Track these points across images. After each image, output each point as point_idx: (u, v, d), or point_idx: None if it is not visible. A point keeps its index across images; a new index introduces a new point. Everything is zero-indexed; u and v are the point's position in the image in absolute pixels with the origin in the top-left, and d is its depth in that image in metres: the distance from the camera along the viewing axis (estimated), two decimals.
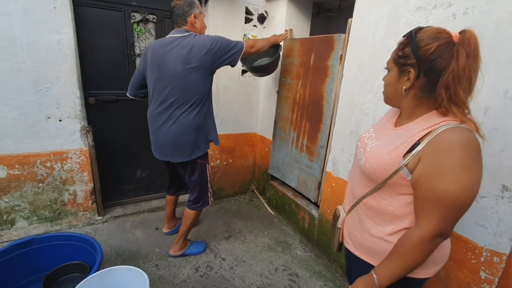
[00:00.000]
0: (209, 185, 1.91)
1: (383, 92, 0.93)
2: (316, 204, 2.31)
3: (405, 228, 0.85)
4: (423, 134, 0.77)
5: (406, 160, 0.77)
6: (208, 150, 1.82)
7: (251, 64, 2.33)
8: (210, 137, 1.79)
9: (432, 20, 1.35)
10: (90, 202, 2.21)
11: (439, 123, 0.76)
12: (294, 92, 2.31)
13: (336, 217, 1.09)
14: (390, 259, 0.83)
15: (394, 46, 1.61)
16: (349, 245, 1.02)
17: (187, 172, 1.79)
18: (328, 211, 2.11)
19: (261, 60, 2.36)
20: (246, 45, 1.74)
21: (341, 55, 1.87)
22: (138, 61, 2.27)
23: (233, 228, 2.43)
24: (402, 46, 0.83)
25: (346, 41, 1.84)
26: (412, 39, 0.79)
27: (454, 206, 0.72)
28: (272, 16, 2.56)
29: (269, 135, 2.78)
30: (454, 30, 0.77)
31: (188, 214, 1.91)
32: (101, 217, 2.27)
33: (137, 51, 2.24)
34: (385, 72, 0.94)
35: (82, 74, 2.05)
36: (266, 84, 2.78)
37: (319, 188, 2.17)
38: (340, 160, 1.96)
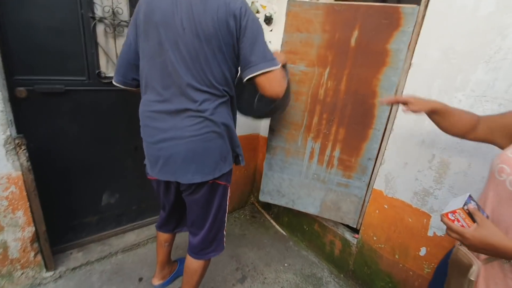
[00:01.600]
0: (226, 219, 1.30)
1: None
2: (351, 227, 1.85)
3: None
4: None
5: None
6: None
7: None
8: (238, 148, 1.19)
9: None
10: (32, 254, 1.40)
11: None
12: (314, 85, 1.62)
13: (461, 264, 0.78)
14: None
15: (510, 26, 1.18)
16: None
17: (201, 199, 1.15)
18: (374, 238, 1.67)
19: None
20: (281, 69, 1.05)
21: (412, 36, 1.36)
22: (100, 28, 1.45)
23: (245, 263, 1.85)
24: None
25: (421, 17, 1.33)
26: None
27: None
28: None
29: None
30: None
31: (193, 268, 1.26)
32: (51, 273, 1.48)
33: (98, 12, 1.42)
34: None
35: (1, 48, 1.20)
36: None
37: (361, 209, 1.71)
38: (399, 176, 1.50)
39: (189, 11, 0.95)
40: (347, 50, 1.52)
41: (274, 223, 2.29)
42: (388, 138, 1.53)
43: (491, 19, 1.13)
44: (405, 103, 0.96)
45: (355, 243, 1.78)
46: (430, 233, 1.42)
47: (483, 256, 0.75)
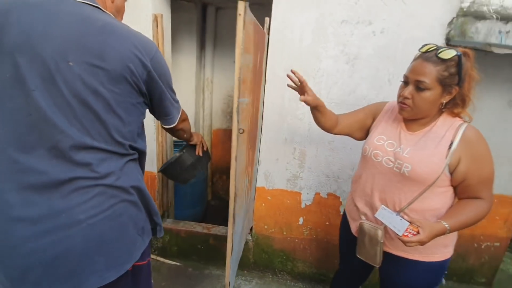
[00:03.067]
0: None
1: (409, 108, 0.96)
2: None
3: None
4: (452, 134, 0.92)
5: (448, 158, 0.91)
6: None
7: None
8: (156, 217, 0.92)
9: (356, 34, 1.56)
10: None
11: (457, 124, 0.94)
12: (250, 116, 1.40)
13: (369, 233, 1.05)
14: (464, 214, 0.93)
15: (322, 53, 1.70)
16: (392, 250, 1.05)
17: None
18: (265, 227, 1.96)
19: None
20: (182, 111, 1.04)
21: (266, 57, 1.66)
22: None
23: None
24: (447, 67, 0.89)
25: (267, 44, 1.64)
26: (460, 62, 0.88)
27: (493, 180, 0.95)
28: None
29: None
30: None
31: None
32: None
33: None
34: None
35: None
36: None
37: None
38: (274, 171, 1.84)
39: (78, 39, 0.67)
40: (256, 72, 1.46)
41: (163, 260, 2.05)
42: (260, 142, 1.81)
43: (310, 48, 1.62)
44: (303, 93, 1.11)
45: (250, 238, 2.00)
46: (303, 206, 1.88)
47: (380, 222, 1.01)
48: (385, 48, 1.55)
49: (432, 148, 0.93)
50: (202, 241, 2.03)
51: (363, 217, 1.11)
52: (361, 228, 1.07)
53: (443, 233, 0.89)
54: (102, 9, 0.76)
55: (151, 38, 1.69)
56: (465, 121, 0.95)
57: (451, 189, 0.97)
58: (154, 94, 0.83)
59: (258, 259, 2.03)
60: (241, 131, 1.14)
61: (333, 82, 1.65)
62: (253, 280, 1.96)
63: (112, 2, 0.82)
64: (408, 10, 1.48)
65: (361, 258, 1.09)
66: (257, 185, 1.88)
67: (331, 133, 1.24)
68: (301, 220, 1.91)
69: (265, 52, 1.63)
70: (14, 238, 0.66)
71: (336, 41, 1.58)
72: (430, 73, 0.89)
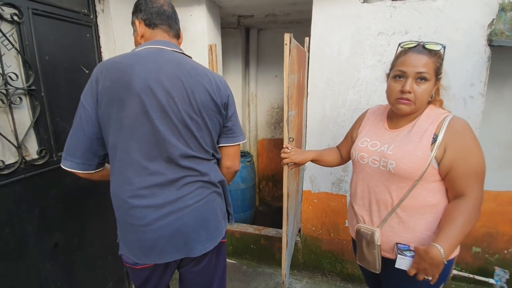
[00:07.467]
0: None
1: (413, 101, 0.93)
2: None
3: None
4: (436, 126, 0.91)
5: (434, 151, 0.89)
6: None
7: None
8: (230, 207, 1.17)
9: (392, 44, 1.66)
10: None
11: (442, 115, 0.94)
12: (296, 126, 1.58)
13: (366, 236, 1.01)
14: (452, 228, 0.84)
15: (360, 64, 1.83)
16: (391, 254, 0.99)
17: (208, 266, 1.10)
18: (313, 228, 2.08)
19: None
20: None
21: (308, 73, 1.85)
22: None
23: None
24: (438, 58, 0.94)
25: (307, 59, 1.83)
26: (443, 54, 0.95)
27: (483, 175, 0.89)
28: (184, 27, 2.00)
29: None
30: None
31: None
32: None
33: None
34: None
35: None
36: None
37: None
38: (319, 175, 1.98)
39: (177, 81, 0.92)
40: (300, 87, 1.63)
41: None
42: (305, 148, 1.97)
43: (349, 61, 1.76)
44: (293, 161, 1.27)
45: (299, 239, 2.13)
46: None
47: (376, 222, 1.00)
48: None
49: (416, 142, 0.92)
50: (254, 241, 2.23)
51: (360, 220, 1.06)
52: (358, 232, 1.04)
53: (438, 259, 0.81)
54: (184, 53, 1.03)
55: (207, 65, 1.99)
56: (449, 113, 0.95)
57: (444, 184, 0.94)
58: (229, 114, 1.08)
59: (307, 259, 2.15)
60: (291, 139, 1.33)
61: (373, 90, 1.75)
62: (303, 279, 2.08)
63: (180, 44, 1.09)
64: (444, 16, 1.55)
65: (361, 265, 1.05)
66: (304, 189, 2.03)
67: (342, 164, 1.35)
68: (347, 222, 1.99)
69: (306, 68, 1.81)
70: (147, 220, 0.92)
71: (373, 52, 1.70)
72: (428, 64, 0.91)
